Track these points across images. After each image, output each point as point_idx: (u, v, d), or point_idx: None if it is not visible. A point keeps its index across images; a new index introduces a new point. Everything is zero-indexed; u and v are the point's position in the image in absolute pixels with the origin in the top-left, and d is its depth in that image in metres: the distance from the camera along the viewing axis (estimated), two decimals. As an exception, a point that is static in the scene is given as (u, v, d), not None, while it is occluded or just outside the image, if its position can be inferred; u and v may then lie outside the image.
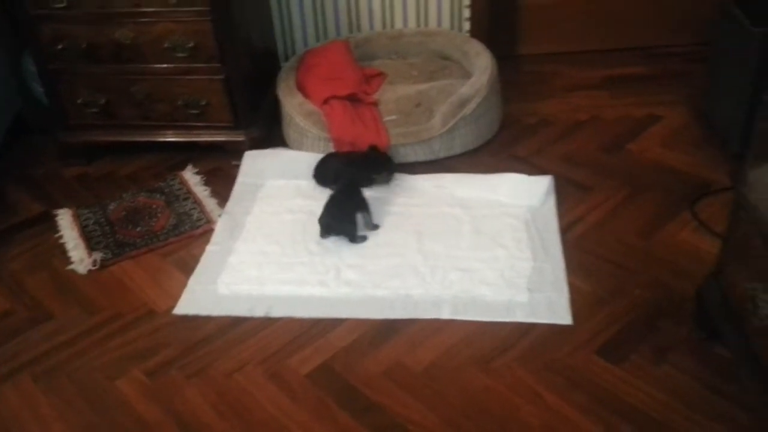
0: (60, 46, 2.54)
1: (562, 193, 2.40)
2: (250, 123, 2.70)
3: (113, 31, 2.49)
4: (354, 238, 2.27)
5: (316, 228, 2.30)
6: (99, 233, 2.44)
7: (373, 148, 2.48)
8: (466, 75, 2.83)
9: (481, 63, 2.75)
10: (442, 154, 2.62)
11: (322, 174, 2.50)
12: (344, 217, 2.28)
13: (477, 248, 2.21)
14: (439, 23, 3.10)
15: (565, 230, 2.24)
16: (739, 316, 1.66)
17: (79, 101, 2.66)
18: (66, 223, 2.49)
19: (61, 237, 2.43)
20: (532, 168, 2.55)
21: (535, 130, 2.77)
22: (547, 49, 3.30)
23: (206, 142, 2.71)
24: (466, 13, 3.07)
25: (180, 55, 2.51)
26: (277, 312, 2.06)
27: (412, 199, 2.44)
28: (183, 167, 2.72)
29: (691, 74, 3.00)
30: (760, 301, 1.52)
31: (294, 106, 2.66)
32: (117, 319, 2.10)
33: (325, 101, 2.62)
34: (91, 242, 2.39)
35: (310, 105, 2.64)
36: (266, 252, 2.28)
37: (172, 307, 2.12)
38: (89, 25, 2.49)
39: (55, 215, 2.53)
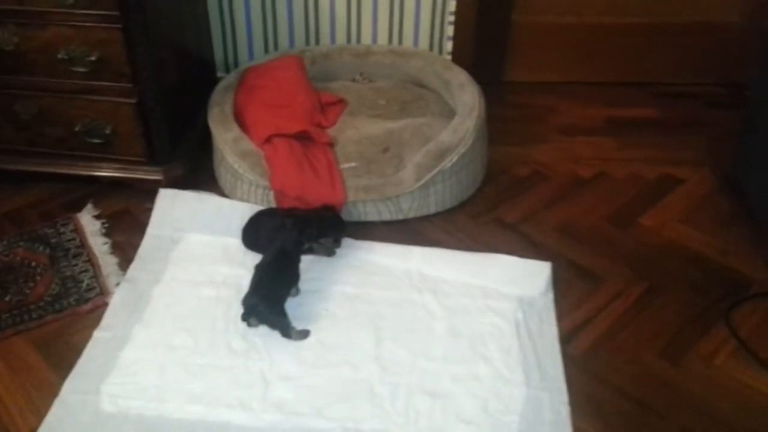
0: None
1: (561, 281, 1.89)
2: (170, 157, 2.12)
3: (-10, 32, 1.88)
4: (288, 332, 1.72)
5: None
6: (-46, 301, 1.84)
7: (326, 208, 1.93)
8: (446, 110, 2.29)
9: (466, 99, 2.21)
10: (411, 214, 2.09)
11: (252, 236, 1.94)
12: (274, 302, 1.73)
13: (453, 359, 1.68)
14: (416, 42, 2.54)
15: (566, 339, 1.73)
16: None
17: (-56, 117, 2.05)
18: None
19: None
20: (521, 240, 2.04)
21: (527, 186, 2.26)
22: (540, 77, 2.78)
23: (111, 177, 2.12)
24: (450, 30, 2.52)
25: (79, 69, 1.91)
26: (178, 447, 1.51)
27: (371, 276, 1.90)
28: (81, 206, 2.13)
29: (713, 124, 2.52)
30: None
31: (227, 141, 2.08)
32: (-46, 443, 1.53)
33: (268, 139, 2.05)
34: (-60, 314, 1.80)
35: (248, 142, 2.07)
36: (173, 346, 1.72)
37: (35, 428, 1.54)
38: (-44, 22, 1.88)
39: None
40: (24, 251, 1.99)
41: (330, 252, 1.92)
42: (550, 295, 1.84)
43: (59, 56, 1.90)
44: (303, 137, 2.09)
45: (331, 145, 2.11)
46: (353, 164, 2.06)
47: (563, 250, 2.00)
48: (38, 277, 1.91)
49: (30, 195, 2.18)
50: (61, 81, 1.95)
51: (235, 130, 2.10)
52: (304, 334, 1.74)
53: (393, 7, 2.46)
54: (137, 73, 1.93)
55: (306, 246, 1.87)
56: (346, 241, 1.97)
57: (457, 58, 2.54)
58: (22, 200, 2.17)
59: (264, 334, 1.73)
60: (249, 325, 1.73)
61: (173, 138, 2.12)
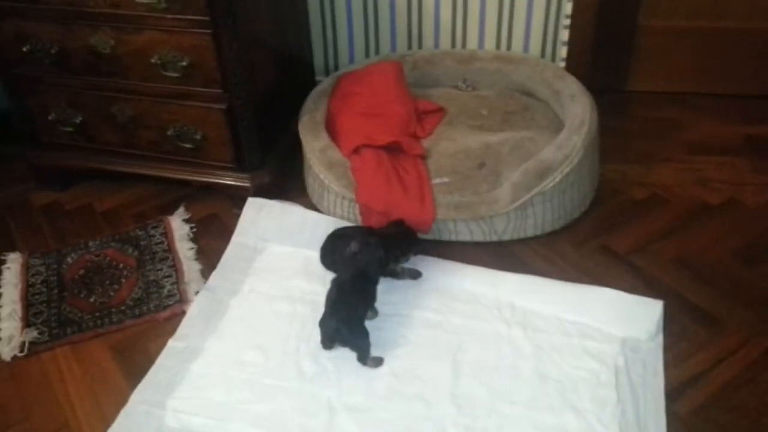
0: (25, 48, 1.97)
1: (674, 324, 1.65)
2: (259, 164, 2.07)
3: (88, 35, 1.91)
4: (364, 358, 1.60)
5: (317, 333, 1.66)
6: (44, 298, 1.87)
7: (397, 224, 1.80)
8: (554, 123, 2.09)
9: (577, 111, 2.01)
10: (506, 237, 1.91)
11: (330, 255, 1.83)
12: (355, 324, 1.62)
13: (538, 405, 1.50)
14: (526, 47, 2.35)
15: (674, 393, 1.50)
16: None
17: (50, 117, 2.10)
18: (11, 277, 1.95)
19: None
20: (631, 273, 1.81)
21: (642, 211, 2.02)
22: (666, 87, 2.51)
23: (201, 182, 2.10)
24: (564, 35, 2.31)
25: (170, 74, 1.90)
26: (235, 473, 1.44)
27: (455, 302, 1.75)
28: (173, 209, 2.13)
29: None
30: None
31: (314, 150, 2.00)
32: (24, 442, 1.54)
33: (356, 150, 1.95)
34: (30, 311, 1.83)
35: (336, 152, 1.98)
36: (243, 362, 1.65)
37: (100, 435, 1.53)
38: (58, 25, 1.91)
39: (3, 261, 1.98)
40: (114, 252, 2.01)
41: (415, 275, 1.79)
42: (659, 340, 1.61)
43: (152, 61, 1.89)
44: (394, 148, 1.97)
45: (423, 157, 1.97)
46: (445, 179, 1.91)
47: (679, 287, 1.75)
48: (123, 280, 1.92)
49: (125, 195, 2.21)
50: (154, 85, 1.95)
51: (324, 139, 2.02)
52: (378, 361, 1.62)
53: (502, 10, 2.28)
54: (228, 79, 1.89)
55: (389, 267, 1.76)
56: (432, 261, 1.84)
57: (571, 65, 2.33)
58: (121, 198, 2.21)
59: (335, 358, 1.63)
60: (329, 348, 1.64)
61: (263, 144, 2.06)
